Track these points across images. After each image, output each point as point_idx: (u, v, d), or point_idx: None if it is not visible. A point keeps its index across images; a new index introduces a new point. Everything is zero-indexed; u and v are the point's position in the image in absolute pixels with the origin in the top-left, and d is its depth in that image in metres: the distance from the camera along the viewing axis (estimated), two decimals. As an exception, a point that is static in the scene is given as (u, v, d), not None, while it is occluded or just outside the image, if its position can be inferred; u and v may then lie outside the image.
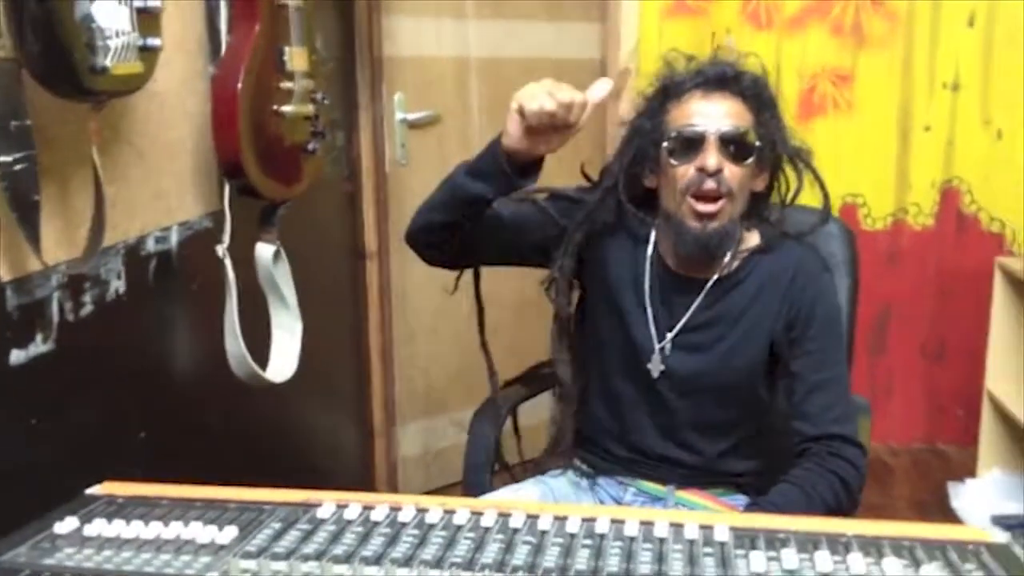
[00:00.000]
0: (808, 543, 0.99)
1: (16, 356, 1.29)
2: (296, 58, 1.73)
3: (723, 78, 1.49)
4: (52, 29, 1.14)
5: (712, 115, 1.46)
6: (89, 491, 1.14)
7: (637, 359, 1.57)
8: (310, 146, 1.81)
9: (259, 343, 1.78)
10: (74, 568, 0.95)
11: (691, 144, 1.46)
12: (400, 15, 2.60)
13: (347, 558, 0.95)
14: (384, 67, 2.56)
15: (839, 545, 0.99)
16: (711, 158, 1.44)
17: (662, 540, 1.00)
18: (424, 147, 2.67)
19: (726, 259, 1.53)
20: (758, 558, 0.95)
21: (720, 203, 1.46)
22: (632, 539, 1.00)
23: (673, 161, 1.47)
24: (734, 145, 1.45)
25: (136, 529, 1.02)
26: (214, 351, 1.71)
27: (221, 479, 1.18)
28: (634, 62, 2.93)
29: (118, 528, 1.02)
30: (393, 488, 2.72)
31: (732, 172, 1.45)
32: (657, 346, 1.55)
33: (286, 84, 1.71)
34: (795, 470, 1.46)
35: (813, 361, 1.50)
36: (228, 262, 1.69)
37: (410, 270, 2.70)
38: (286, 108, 1.71)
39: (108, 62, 1.21)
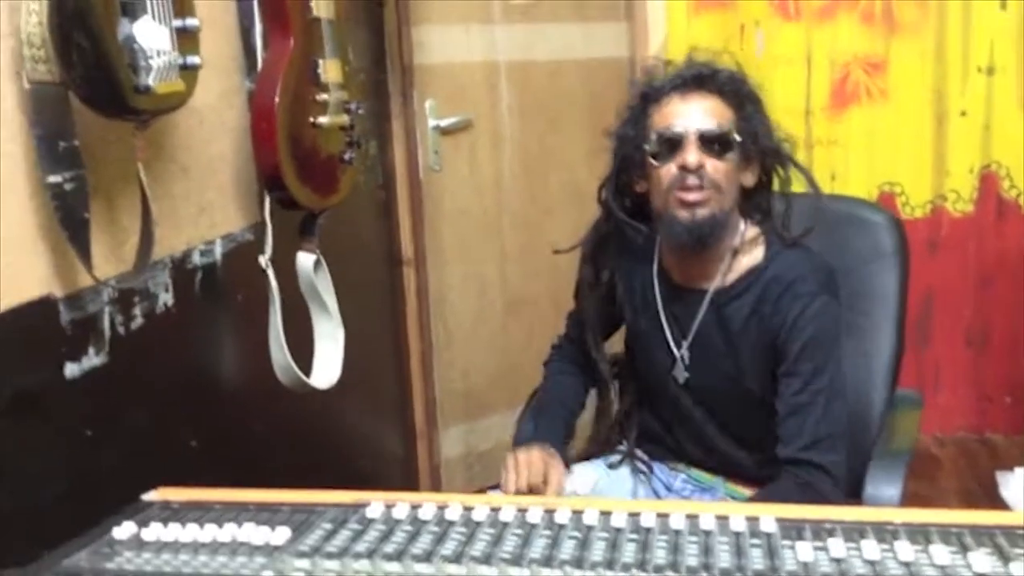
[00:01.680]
0: (855, 532, 1.00)
1: (71, 370, 1.33)
2: (330, 70, 1.76)
3: (699, 78, 1.54)
4: (96, 52, 1.17)
5: (690, 114, 1.51)
6: (145, 497, 1.18)
7: (663, 369, 1.62)
8: (346, 156, 1.84)
9: (303, 351, 1.82)
10: (134, 572, 0.98)
11: (672, 144, 1.50)
12: (428, 23, 2.63)
13: (398, 556, 0.98)
14: (415, 75, 2.59)
15: (886, 533, 0.99)
16: (691, 155, 1.48)
17: (708, 532, 1.01)
18: (457, 153, 2.69)
19: (724, 267, 1.56)
20: (805, 548, 0.96)
21: (705, 193, 1.49)
22: (678, 532, 1.02)
23: (656, 162, 1.52)
24: (714, 141, 1.49)
25: (192, 532, 1.05)
26: (260, 360, 1.74)
27: (270, 484, 1.21)
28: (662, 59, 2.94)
29: (175, 532, 1.06)
30: (436, 490, 2.74)
31: (715, 167, 1.49)
32: (677, 354, 1.60)
33: (321, 96, 1.74)
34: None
35: (793, 383, 1.50)
36: (271, 272, 1.73)
37: (447, 275, 2.73)
38: (322, 119, 1.74)
39: (151, 81, 1.25)
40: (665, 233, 1.56)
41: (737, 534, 1.00)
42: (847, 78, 3.03)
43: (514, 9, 2.76)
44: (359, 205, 2.39)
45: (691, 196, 1.49)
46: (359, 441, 2.42)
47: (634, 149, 1.55)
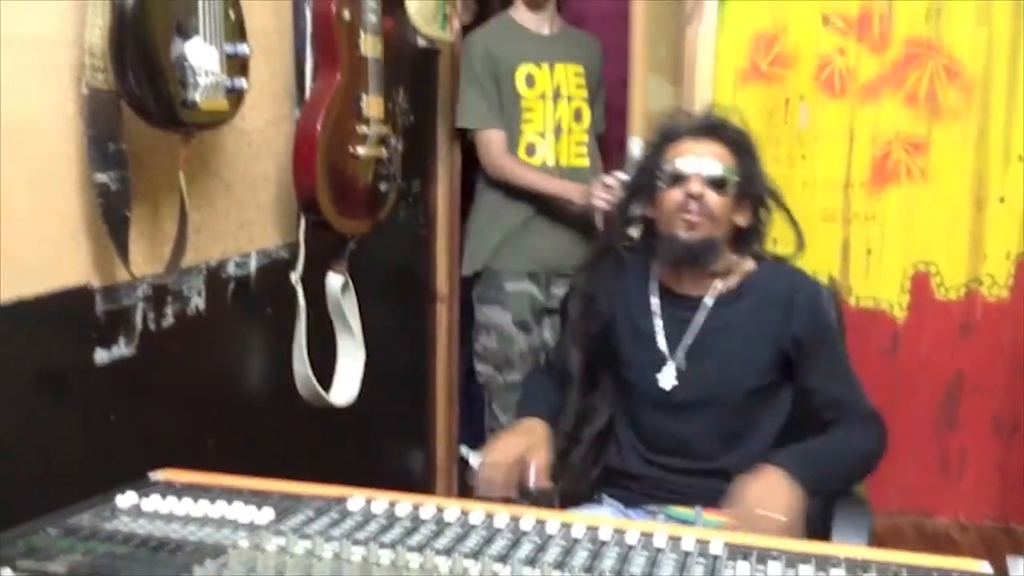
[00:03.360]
0: (796, 560, 1.04)
1: (100, 356, 1.44)
2: (372, 105, 1.88)
3: (710, 126, 1.80)
4: (149, 65, 1.30)
5: (699, 154, 1.76)
6: (152, 476, 1.27)
7: (653, 373, 1.75)
8: (381, 187, 1.95)
9: (324, 367, 1.91)
10: (126, 532, 1.07)
11: (680, 176, 1.74)
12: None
13: (365, 542, 1.05)
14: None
15: (827, 564, 1.04)
16: (695, 185, 1.71)
17: (659, 549, 1.07)
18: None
19: (721, 277, 1.77)
20: (744, 568, 1.01)
21: (702, 219, 1.72)
22: (631, 547, 1.07)
23: (665, 188, 1.75)
24: (714, 178, 1.73)
25: (186, 507, 1.14)
26: (282, 371, 1.84)
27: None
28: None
29: (171, 505, 1.14)
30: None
31: (712, 200, 1.72)
32: (669, 359, 1.75)
33: (362, 128, 1.86)
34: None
35: (829, 373, 1.73)
36: (300, 289, 1.84)
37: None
38: (360, 150, 1.85)
39: (197, 97, 1.37)
40: (665, 250, 1.77)
41: (686, 553, 1.06)
42: (888, 156, 3.07)
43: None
44: (400, 239, 2.51)
45: (691, 218, 1.72)
46: (377, 467, 2.49)
47: (648, 177, 1.79)
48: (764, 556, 1.05)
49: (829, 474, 1.61)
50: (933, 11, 2.99)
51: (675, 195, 1.73)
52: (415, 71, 2.52)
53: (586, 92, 2.77)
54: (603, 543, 1.08)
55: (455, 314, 2.75)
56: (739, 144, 1.78)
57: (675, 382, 1.75)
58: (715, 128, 1.79)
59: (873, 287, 3.09)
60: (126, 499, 1.16)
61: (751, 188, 1.79)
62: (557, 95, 2.72)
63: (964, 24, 2.97)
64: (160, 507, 1.14)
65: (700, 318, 1.76)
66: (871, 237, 3.10)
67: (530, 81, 2.69)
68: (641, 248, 1.85)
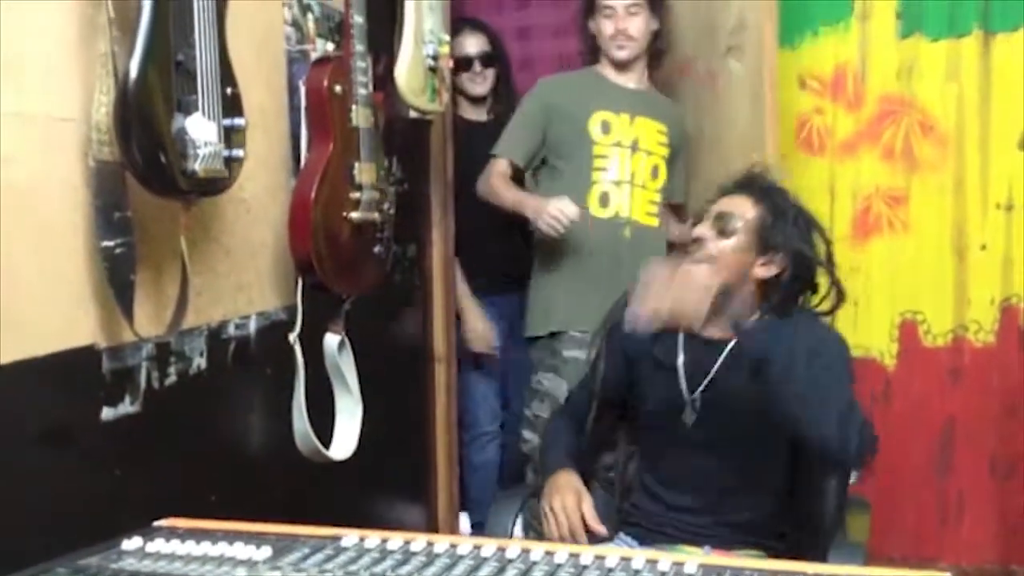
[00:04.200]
0: (768, 577, 1.10)
1: (107, 413, 1.51)
2: (365, 172, 1.97)
3: (742, 183, 1.88)
4: (151, 139, 1.39)
5: (719, 205, 1.86)
6: (156, 523, 1.33)
7: (675, 411, 1.82)
8: (376, 249, 2.04)
9: (323, 423, 1.98)
10: (132, 571, 1.14)
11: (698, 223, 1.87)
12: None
13: (358, 572, 1.11)
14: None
15: (796, 580, 1.09)
16: (698, 229, 1.82)
17: (637, 571, 1.12)
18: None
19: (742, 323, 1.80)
20: (718, 585, 1.07)
21: (706, 262, 1.78)
22: (610, 569, 1.13)
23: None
24: (722, 223, 1.81)
25: (189, 548, 1.21)
26: (282, 429, 1.91)
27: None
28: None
29: (174, 547, 1.21)
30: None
31: (713, 244, 1.80)
32: (688, 398, 1.81)
33: (355, 194, 1.95)
34: None
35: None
36: (298, 349, 1.91)
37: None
38: (354, 215, 1.94)
39: (197, 167, 1.46)
40: None
41: (663, 572, 1.11)
42: (869, 209, 3.17)
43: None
44: (396, 301, 2.59)
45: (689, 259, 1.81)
46: (378, 523, 2.53)
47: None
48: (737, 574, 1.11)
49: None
50: (904, 69, 3.12)
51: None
52: (407, 140, 2.63)
53: (667, 151, 2.76)
54: (584, 567, 1.14)
55: (453, 375, 2.81)
56: (770, 199, 1.83)
57: (694, 420, 1.82)
58: (745, 184, 1.88)
59: (862, 337, 3.16)
60: (132, 543, 1.22)
61: (771, 240, 1.80)
62: (635, 147, 2.69)
63: (934, 81, 3.10)
64: (163, 548, 1.21)
65: (718, 361, 1.82)
66: (857, 289, 3.17)
67: (605, 128, 2.68)
68: None
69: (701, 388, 1.82)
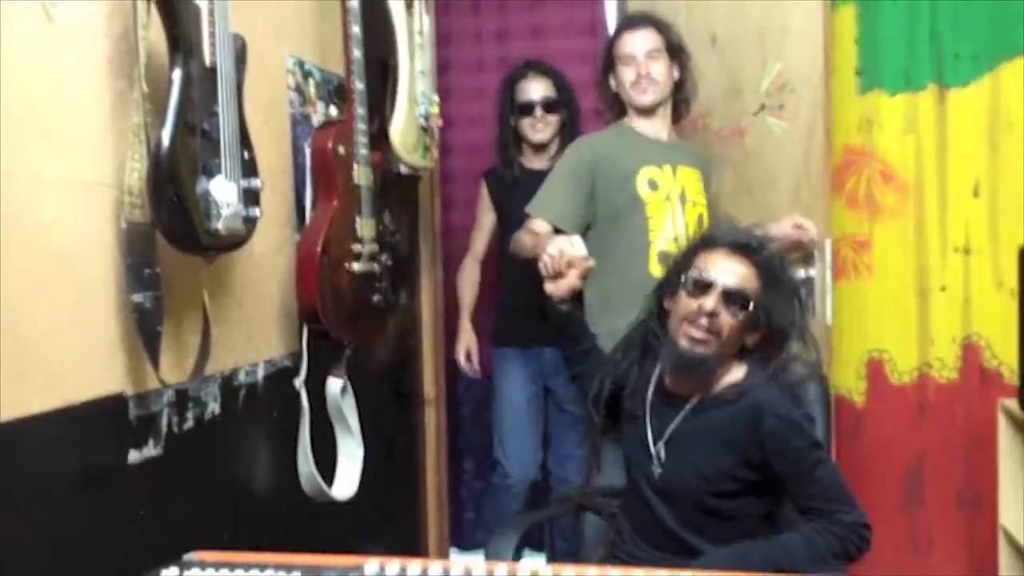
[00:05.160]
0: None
1: (133, 456, 1.61)
2: (365, 227, 2.10)
3: (747, 247, 1.86)
4: (180, 202, 1.52)
5: (726, 271, 1.82)
6: (186, 556, 1.43)
7: (643, 468, 1.89)
8: (375, 298, 2.16)
9: (326, 464, 2.08)
10: (176, 599, 1.24)
11: (702, 286, 1.81)
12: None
13: (383, 594, 1.22)
14: (444, 238, 2.96)
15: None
16: (710, 302, 1.80)
17: (634, 589, 1.24)
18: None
19: (711, 384, 1.84)
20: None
21: (708, 336, 1.79)
22: (611, 589, 1.25)
23: (684, 293, 1.83)
24: (733, 299, 1.80)
25: (223, 577, 1.31)
26: (288, 469, 2.01)
27: None
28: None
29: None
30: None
31: (725, 319, 1.80)
32: (652, 450, 1.87)
33: (356, 247, 2.08)
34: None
35: (802, 482, 1.78)
36: (303, 393, 2.02)
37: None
38: (356, 266, 2.07)
39: (220, 226, 1.59)
40: (665, 351, 1.87)
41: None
42: (836, 254, 3.32)
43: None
44: (390, 347, 2.71)
45: (696, 334, 1.80)
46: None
47: (676, 274, 1.88)
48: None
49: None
50: (865, 122, 3.30)
51: (690, 303, 1.80)
52: (399, 194, 2.76)
53: (705, 199, 2.72)
54: (586, 588, 1.26)
55: (443, 417, 2.92)
56: (771, 272, 1.84)
57: (660, 471, 1.87)
58: (751, 249, 1.84)
59: (833, 375, 3.30)
60: (168, 572, 1.33)
61: (768, 317, 1.82)
62: (683, 198, 2.64)
63: (893, 132, 3.28)
64: (200, 579, 1.31)
65: (679, 418, 1.87)
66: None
67: (652, 184, 2.63)
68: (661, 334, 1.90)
69: (664, 440, 1.86)
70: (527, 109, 3.07)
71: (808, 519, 1.76)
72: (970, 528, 3.32)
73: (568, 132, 3.09)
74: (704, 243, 1.89)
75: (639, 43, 2.64)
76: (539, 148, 3.12)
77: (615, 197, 2.59)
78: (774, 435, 1.77)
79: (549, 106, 3.09)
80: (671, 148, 2.72)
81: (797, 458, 1.77)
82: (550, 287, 2.12)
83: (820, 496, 1.76)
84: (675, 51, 2.70)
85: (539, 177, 2.78)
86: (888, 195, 3.30)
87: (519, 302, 2.91)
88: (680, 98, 2.75)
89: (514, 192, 2.98)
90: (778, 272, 1.86)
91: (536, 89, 3.08)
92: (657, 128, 2.71)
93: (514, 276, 2.90)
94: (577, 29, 3.54)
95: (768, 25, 2.99)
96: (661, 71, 2.66)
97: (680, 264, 1.90)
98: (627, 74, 2.66)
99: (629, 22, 2.75)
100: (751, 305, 1.80)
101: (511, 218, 2.87)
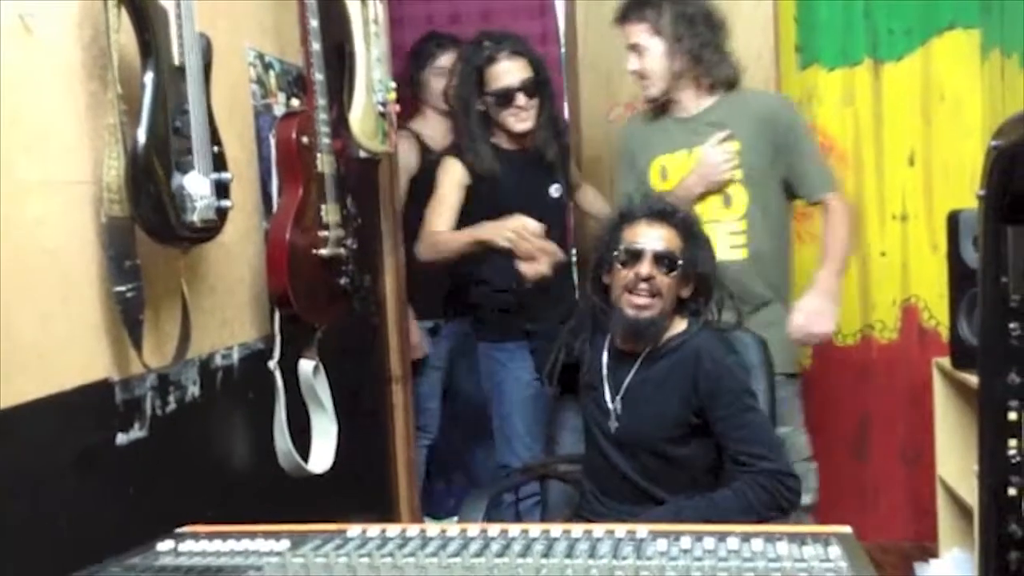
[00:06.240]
0: (702, 535, 1.35)
1: (120, 438, 1.70)
2: (330, 213, 2.19)
3: (663, 212, 2.06)
4: (157, 196, 1.60)
5: (652, 238, 2.03)
6: (179, 529, 1.53)
7: (601, 423, 2.06)
8: (342, 281, 2.26)
9: (301, 441, 2.18)
10: (174, 566, 1.34)
11: (634, 255, 2.01)
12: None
13: (368, 553, 1.33)
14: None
15: (724, 536, 1.34)
16: (644, 268, 2.00)
17: (598, 538, 1.36)
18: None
19: (658, 339, 2.05)
20: (663, 543, 1.31)
21: (651, 300, 1.97)
22: (576, 539, 1.37)
23: (619, 266, 2.01)
24: (663, 261, 2.00)
25: (217, 545, 1.41)
26: (265, 447, 2.11)
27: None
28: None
29: (203, 545, 1.41)
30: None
31: (661, 280, 2.00)
32: (611, 407, 2.02)
33: (323, 233, 2.17)
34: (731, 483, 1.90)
35: (730, 425, 1.96)
36: (277, 375, 2.12)
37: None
38: (323, 251, 2.16)
39: (195, 218, 1.67)
40: (612, 323, 2.07)
41: (618, 539, 1.35)
42: (782, 224, 3.47)
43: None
44: (357, 327, 2.80)
45: (638, 300, 1.99)
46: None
47: (607, 252, 2.07)
48: (677, 535, 1.35)
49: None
50: (806, 97, 3.44)
51: (627, 274, 2.01)
52: (360, 179, 2.85)
53: (741, 171, 2.51)
54: (554, 539, 1.37)
55: (409, 393, 3.03)
56: (688, 230, 2.07)
57: (616, 425, 2.05)
58: (667, 213, 2.08)
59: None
60: (165, 545, 1.42)
61: (695, 269, 2.07)
62: None
63: (832, 106, 3.43)
64: (195, 548, 1.41)
65: (632, 372, 2.07)
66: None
67: (664, 174, 2.59)
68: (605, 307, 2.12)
69: (620, 395, 2.05)
70: (506, 98, 2.72)
71: (739, 471, 1.91)
72: (912, 481, 3.50)
73: (548, 113, 2.81)
74: (623, 218, 2.10)
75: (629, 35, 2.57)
76: (519, 136, 2.80)
77: (634, 194, 2.51)
78: (709, 377, 1.97)
79: (531, 90, 2.74)
80: (693, 123, 2.56)
81: (728, 400, 1.96)
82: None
83: (747, 440, 1.93)
84: (664, 29, 2.55)
85: (525, 157, 2.75)
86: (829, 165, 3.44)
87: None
88: (701, 68, 2.56)
89: (496, 178, 2.77)
90: (693, 228, 2.09)
91: (512, 72, 2.71)
92: (679, 109, 2.59)
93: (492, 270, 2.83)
94: (527, 13, 3.63)
95: (719, 5, 3.09)
96: (649, 64, 2.56)
97: (607, 242, 2.09)
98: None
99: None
100: (679, 262, 2.01)
101: (497, 205, 2.69)
